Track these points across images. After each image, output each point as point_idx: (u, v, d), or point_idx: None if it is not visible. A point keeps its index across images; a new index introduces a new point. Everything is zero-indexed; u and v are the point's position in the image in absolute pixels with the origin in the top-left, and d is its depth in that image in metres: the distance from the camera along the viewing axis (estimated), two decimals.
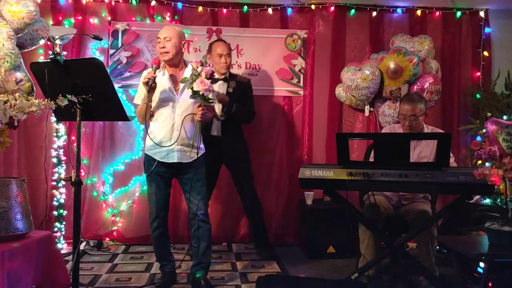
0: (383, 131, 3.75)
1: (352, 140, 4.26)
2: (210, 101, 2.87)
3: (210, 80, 2.77)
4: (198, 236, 2.97)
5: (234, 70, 4.28)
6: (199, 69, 2.77)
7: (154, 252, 3.21)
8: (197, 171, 2.95)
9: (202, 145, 3.01)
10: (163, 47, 2.89)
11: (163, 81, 2.91)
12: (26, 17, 2.75)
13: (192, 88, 2.76)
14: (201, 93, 2.75)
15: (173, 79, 2.95)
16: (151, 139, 2.86)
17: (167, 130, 2.90)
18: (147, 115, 2.87)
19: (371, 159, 2.84)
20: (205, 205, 3.00)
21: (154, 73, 2.79)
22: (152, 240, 3.12)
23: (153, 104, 2.90)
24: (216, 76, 3.61)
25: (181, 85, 2.90)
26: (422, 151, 3.20)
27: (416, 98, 3.24)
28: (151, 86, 2.77)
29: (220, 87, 3.68)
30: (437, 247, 3.24)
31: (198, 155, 2.96)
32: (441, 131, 3.40)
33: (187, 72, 2.91)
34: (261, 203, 3.95)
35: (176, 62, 2.96)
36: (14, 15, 2.72)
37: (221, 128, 3.70)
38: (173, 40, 2.89)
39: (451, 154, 3.01)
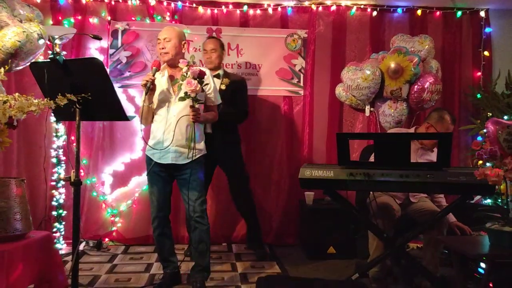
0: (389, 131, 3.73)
1: (353, 140, 4.25)
2: (200, 101, 2.87)
3: (197, 80, 2.76)
4: (194, 237, 2.96)
5: (234, 70, 4.28)
6: (184, 69, 2.79)
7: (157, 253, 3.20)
8: (193, 172, 2.91)
9: (201, 146, 2.99)
10: (162, 48, 2.90)
11: (161, 81, 2.93)
12: (39, 31, 2.96)
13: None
14: (188, 93, 2.76)
15: (172, 80, 2.95)
16: (145, 141, 2.88)
17: (162, 130, 2.91)
18: (149, 117, 2.94)
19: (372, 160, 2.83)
20: (201, 206, 2.94)
21: (153, 75, 2.82)
22: (154, 240, 3.12)
23: (154, 105, 2.94)
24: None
25: (178, 85, 2.91)
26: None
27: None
28: (149, 88, 2.80)
29: None
30: None
31: (195, 157, 2.91)
32: None
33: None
34: (254, 203, 3.93)
35: (176, 62, 2.94)
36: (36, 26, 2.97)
37: (211, 125, 3.60)
38: (172, 41, 2.91)
39: None
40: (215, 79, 3.62)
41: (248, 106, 3.89)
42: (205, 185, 3.66)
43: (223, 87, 3.68)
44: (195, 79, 2.76)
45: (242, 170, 3.89)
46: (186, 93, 2.77)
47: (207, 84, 2.91)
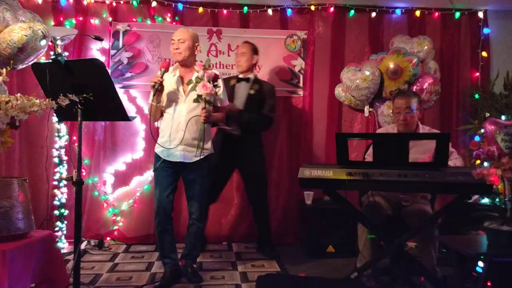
0: (378, 131, 3.75)
1: (352, 140, 4.27)
2: (212, 103, 2.97)
3: (212, 84, 2.87)
4: (190, 231, 3.18)
5: (234, 71, 4.30)
6: (201, 73, 2.89)
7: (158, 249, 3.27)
8: (200, 174, 3.04)
9: (209, 146, 3.08)
10: (177, 48, 3.00)
11: (172, 81, 3.01)
12: (43, 29, 3.01)
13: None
14: (203, 96, 2.86)
15: (183, 80, 3.04)
16: (153, 139, 2.98)
17: (172, 129, 3.00)
18: (157, 114, 3.06)
19: (368, 158, 2.85)
20: (200, 208, 3.14)
21: (161, 77, 2.91)
22: (156, 236, 3.19)
23: (164, 104, 3.02)
24: (240, 76, 3.78)
25: (190, 86, 2.99)
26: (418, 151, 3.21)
27: (410, 92, 3.34)
28: (157, 89, 2.90)
29: (242, 87, 3.76)
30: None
31: (203, 155, 3.02)
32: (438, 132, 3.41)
33: (196, 75, 3.01)
34: (269, 208, 4.00)
35: (188, 63, 3.05)
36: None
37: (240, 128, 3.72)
38: (186, 42, 3.00)
39: (453, 149, 3.03)
40: (244, 82, 3.75)
41: (275, 113, 3.92)
42: (219, 187, 3.84)
43: (252, 92, 3.74)
44: (210, 82, 2.87)
45: (262, 175, 3.95)
46: (200, 95, 2.88)
47: (218, 86, 3.02)
